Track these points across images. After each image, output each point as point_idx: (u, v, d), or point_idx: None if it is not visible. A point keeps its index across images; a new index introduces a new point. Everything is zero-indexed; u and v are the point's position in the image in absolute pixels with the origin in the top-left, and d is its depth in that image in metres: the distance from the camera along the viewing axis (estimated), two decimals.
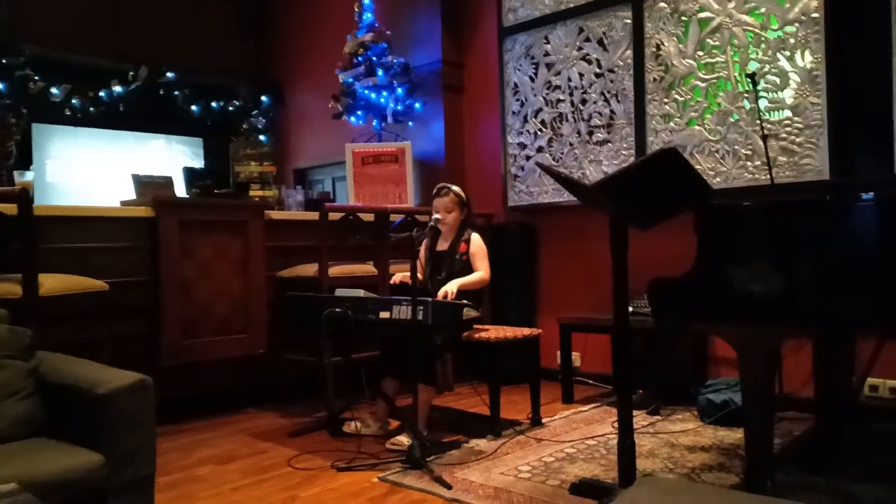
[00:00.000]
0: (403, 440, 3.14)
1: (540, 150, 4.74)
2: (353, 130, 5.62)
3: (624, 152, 4.31)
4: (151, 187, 3.85)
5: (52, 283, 2.82)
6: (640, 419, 3.50)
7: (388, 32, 5.30)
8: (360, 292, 3.28)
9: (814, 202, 2.27)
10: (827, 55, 3.51)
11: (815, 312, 2.09)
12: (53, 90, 5.74)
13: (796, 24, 3.62)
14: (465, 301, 3.12)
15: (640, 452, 2.90)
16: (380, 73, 5.11)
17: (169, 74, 6.38)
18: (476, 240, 3.53)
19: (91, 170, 6.35)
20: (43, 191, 5.88)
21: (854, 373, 3.28)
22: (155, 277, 3.57)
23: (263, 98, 6.92)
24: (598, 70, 4.43)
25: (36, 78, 5.53)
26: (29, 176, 3.89)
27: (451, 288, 3.29)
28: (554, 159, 4.66)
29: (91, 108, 6.05)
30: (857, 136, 3.50)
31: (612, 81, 4.37)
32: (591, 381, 4.43)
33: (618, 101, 4.34)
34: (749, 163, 3.81)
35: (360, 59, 5.20)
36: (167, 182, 3.98)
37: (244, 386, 4.07)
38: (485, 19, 5.17)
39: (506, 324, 3.94)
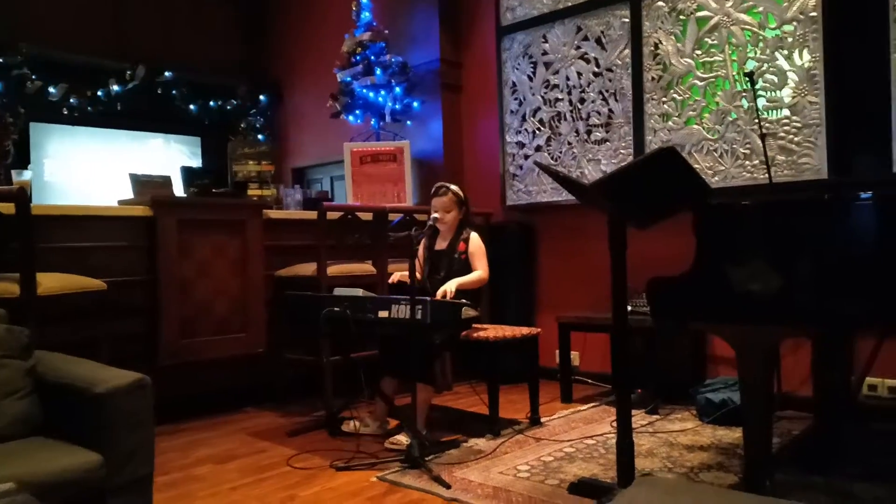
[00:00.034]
0: (402, 439, 3.14)
1: (538, 149, 4.74)
2: (351, 129, 5.61)
3: (622, 151, 4.31)
4: (149, 186, 3.84)
5: (50, 282, 2.82)
6: (638, 418, 3.51)
7: (386, 31, 5.30)
8: (359, 291, 3.28)
9: (812, 201, 2.27)
10: (825, 54, 3.51)
11: (814, 311, 2.09)
12: (51, 89, 5.73)
13: (794, 23, 3.62)
14: (464, 300, 3.12)
15: (639, 452, 2.90)
16: (378, 72, 5.11)
17: (167, 73, 6.37)
18: (475, 239, 3.53)
19: (89, 169, 6.33)
20: (41, 190, 5.87)
21: (853, 372, 3.29)
22: (153, 277, 3.56)
23: (262, 97, 6.92)
24: (596, 69, 4.43)
25: (34, 77, 5.52)
26: (27, 175, 3.89)
27: (449, 287, 3.29)
28: (552, 158, 4.66)
29: (89, 108, 6.03)
30: (855, 135, 3.50)
31: (610, 80, 4.37)
32: (589, 381, 4.43)
33: (616, 100, 4.34)
34: (747, 162, 3.82)
35: (358, 58, 5.20)
36: (165, 181, 3.97)
37: (243, 385, 4.07)
38: (483, 18, 5.17)
39: (504, 323, 3.93)
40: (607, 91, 4.38)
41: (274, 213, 4.20)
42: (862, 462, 2.79)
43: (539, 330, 3.62)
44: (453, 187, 3.58)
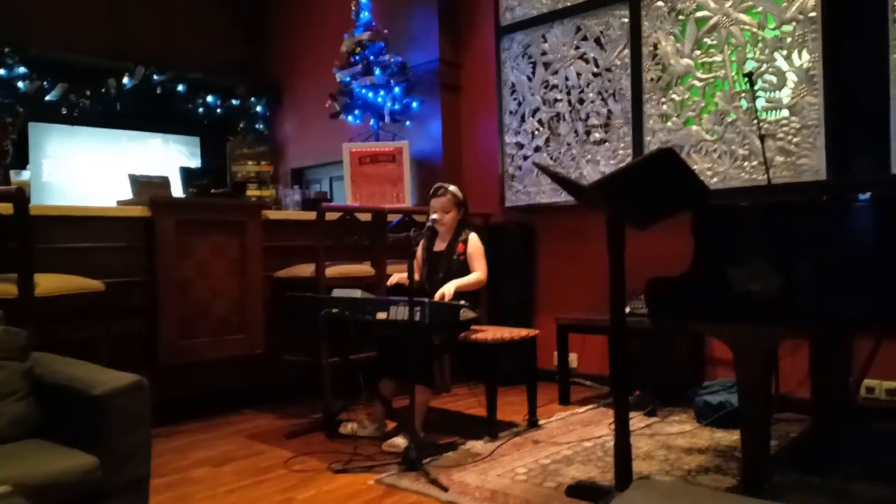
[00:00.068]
0: (400, 442, 3.13)
1: (537, 149, 4.74)
2: (350, 130, 5.61)
3: (621, 152, 4.31)
4: (148, 187, 3.84)
5: (48, 283, 2.81)
6: (636, 420, 3.50)
7: (386, 31, 5.29)
8: (358, 293, 3.28)
9: (811, 202, 2.27)
10: (824, 54, 3.51)
11: (813, 312, 2.09)
12: (47, 87, 5.71)
13: (793, 23, 3.62)
14: (463, 301, 3.11)
15: (637, 454, 2.90)
16: (377, 72, 5.10)
17: (166, 73, 6.36)
18: (474, 240, 3.53)
19: (88, 169, 6.32)
20: (39, 190, 5.85)
21: (851, 374, 3.28)
22: (152, 277, 3.56)
23: (261, 97, 6.91)
24: (595, 69, 4.43)
25: (33, 77, 5.51)
26: (25, 175, 3.88)
27: (448, 290, 3.28)
28: (551, 159, 4.65)
29: (88, 108, 6.02)
30: (854, 135, 3.50)
31: (609, 81, 4.36)
32: (588, 383, 4.43)
33: (615, 101, 4.33)
34: (746, 163, 3.81)
35: (357, 57, 5.19)
36: (164, 182, 3.97)
37: (241, 386, 4.06)
38: (482, 18, 5.16)
39: (503, 324, 3.92)
40: (606, 91, 4.38)
41: (273, 214, 4.19)
42: (860, 463, 2.79)
43: (537, 332, 3.61)
44: (452, 188, 3.57)
